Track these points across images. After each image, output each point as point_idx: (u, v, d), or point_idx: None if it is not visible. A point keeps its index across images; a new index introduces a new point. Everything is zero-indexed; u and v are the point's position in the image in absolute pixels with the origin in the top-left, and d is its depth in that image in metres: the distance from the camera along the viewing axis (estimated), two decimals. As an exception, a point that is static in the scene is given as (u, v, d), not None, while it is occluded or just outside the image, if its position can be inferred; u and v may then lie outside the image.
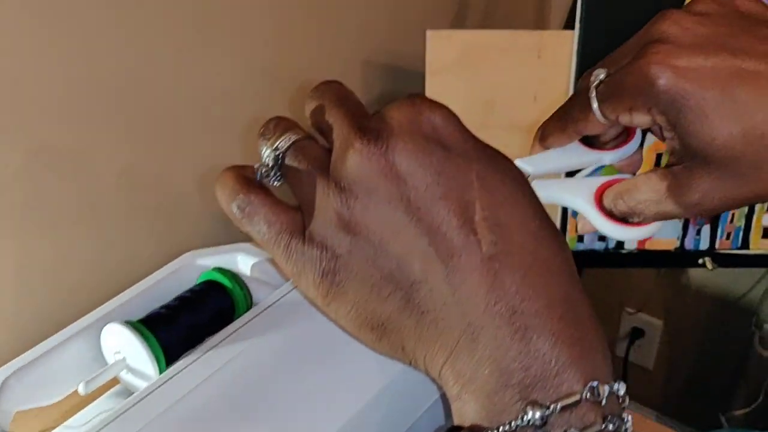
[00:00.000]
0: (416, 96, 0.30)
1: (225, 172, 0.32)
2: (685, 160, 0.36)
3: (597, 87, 0.38)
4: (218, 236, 0.78)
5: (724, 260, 0.91)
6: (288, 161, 0.31)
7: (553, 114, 0.42)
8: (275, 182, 0.32)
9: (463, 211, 0.28)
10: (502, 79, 0.85)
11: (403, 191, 0.28)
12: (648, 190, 0.38)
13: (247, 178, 0.31)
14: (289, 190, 0.32)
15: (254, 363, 0.36)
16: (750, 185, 0.35)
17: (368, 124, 0.29)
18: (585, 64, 0.82)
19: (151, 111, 0.69)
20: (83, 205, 0.64)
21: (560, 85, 0.85)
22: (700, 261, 0.91)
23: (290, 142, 0.31)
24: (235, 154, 0.80)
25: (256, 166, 0.32)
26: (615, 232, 0.39)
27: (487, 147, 0.31)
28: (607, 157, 0.41)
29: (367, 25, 0.93)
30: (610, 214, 0.39)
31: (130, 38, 0.65)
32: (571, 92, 0.84)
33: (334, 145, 0.30)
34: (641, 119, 0.37)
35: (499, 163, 0.30)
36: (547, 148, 0.42)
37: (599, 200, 0.39)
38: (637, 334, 1.60)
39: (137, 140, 0.68)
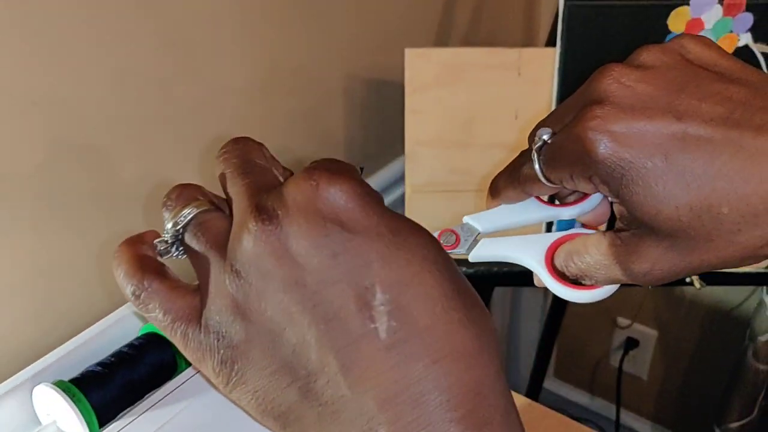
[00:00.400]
0: (316, 168, 0.27)
1: (122, 248, 0.30)
2: (633, 227, 0.34)
3: (540, 149, 0.36)
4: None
5: (712, 279, 0.90)
6: (187, 238, 0.30)
7: (503, 169, 0.40)
8: (178, 256, 0.30)
9: (360, 295, 0.26)
10: (482, 97, 0.84)
11: (298, 276, 0.26)
12: (596, 253, 0.35)
13: (144, 259, 0.30)
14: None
15: (196, 423, 0.35)
16: (702, 256, 0.32)
17: (265, 203, 0.27)
18: (567, 81, 0.81)
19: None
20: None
21: (541, 103, 0.84)
22: (688, 280, 0.89)
23: (190, 216, 0.30)
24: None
25: (155, 241, 0.30)
26: (565, 294, 0.36)
27: (394, 220, 0.27)
28: (566, 212, 0.38)
29: (351, 40, 0.92)
30: (561, 275, 0.37)
31: (153, 38, 0.67)
32: (553, 109, 0.83)
33: (233, 221, 0.28)
34: (585, 186, 0.34)
35: (406, 239, 0.27)
36: (498, 204, 0.40)
37: (551, 260, 0.37)
38: (631, 344, 1.58)
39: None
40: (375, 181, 1.02)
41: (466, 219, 0.40)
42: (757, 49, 0.81)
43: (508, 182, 0.39)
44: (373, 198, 0.28)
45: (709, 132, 0.30)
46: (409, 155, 0.86)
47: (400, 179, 1.04)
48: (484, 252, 0.39)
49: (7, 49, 0.56)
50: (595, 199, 0.38)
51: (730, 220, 0.30)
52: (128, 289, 0.29)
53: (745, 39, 0.80)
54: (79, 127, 0.64)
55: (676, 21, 0.79)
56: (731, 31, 0.81)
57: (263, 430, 0.35)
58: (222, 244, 0.28)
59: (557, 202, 0.39)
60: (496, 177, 0.40)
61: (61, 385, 0.33)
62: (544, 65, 0.82)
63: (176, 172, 0.74)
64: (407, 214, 0.88)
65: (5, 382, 0.36)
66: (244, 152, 0.31)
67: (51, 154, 0.62)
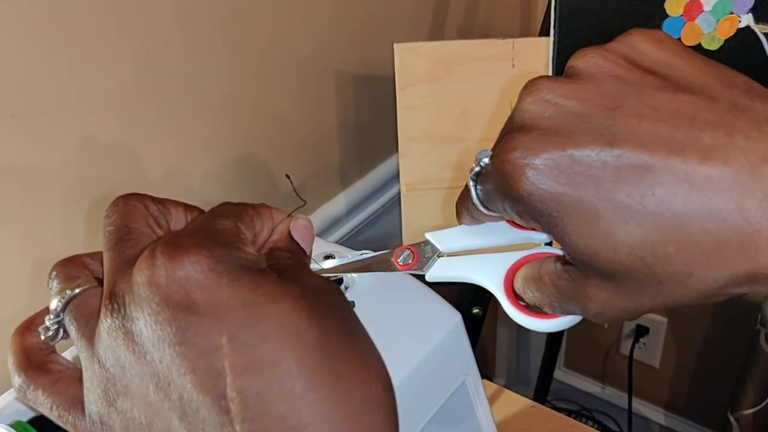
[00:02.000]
0: (158, 245, 0.24)
1: (13, 337, 0.29)
2: (576, 263, 0.30)
3: (477, 176, 0.31)
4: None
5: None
6: (66, 322, 0.28)
7: (461, 192, 0.36)
8: (67, 338, 0.28)
9: (213, 383, 0.23)
10: (475, 90, 0.81)
11: (148, 367, 0.24)
12: (550, 285, 0.31)
13: (29, 351, 0.29)
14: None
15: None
16: (655, 298, 0.27)
17: (116, 288, 0.25)
18: (562, 71, 0.78)
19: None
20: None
21: (538, 94, 0.81)
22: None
23: (66, 300, 0.28)
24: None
25: (40, 328, 0.28)
26: (523, 322, 0.33)
27: (251, 289, 0.24)
28: (538, 236, 0.34)
29: (342, 36, 0.90)
30: (520, 300, 0.33)
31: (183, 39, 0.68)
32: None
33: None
34: (520, 222, 0.30)
35: (262, 310, 0.24)
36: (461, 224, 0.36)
37: (510, 284, 0.34)
38: (641, 332, 1.56)
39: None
40: (370, 180, 1.00)
41: (427, 236, 0.37)
42: (759, 30, 0.78)
43: (462, 205, 0.35)
44: (226, 267, 0.24)
45: (647, 159, 0.25)
46: (403, 152, 0.84)
47: (395, 177, 1.02)
48: (441, 272, 0.36)
49: (31, 48, 0.56)
50: None
51: (678, 261, 0.26)
52: (15, 383, 0.28)
53: (747, 20, 0.78)
54: (107, 124, 0.64)
55: (674, 4, 0.76)
56: (732, 12, 0.78)
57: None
58: (93, 330, 0.26)
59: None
60: (458, 198, 0.36)
61: (18, 427, 0.32)
62: (538, 55, 0.80)
63: (197, 167, 0.74)
64: (403, 213, 0.86)
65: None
66: (121, 216, 0.28)
67: (79, 152, 0.62)
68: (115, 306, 0.25)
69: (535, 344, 1.72)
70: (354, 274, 0.40)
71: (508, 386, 1.34)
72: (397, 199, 1.00)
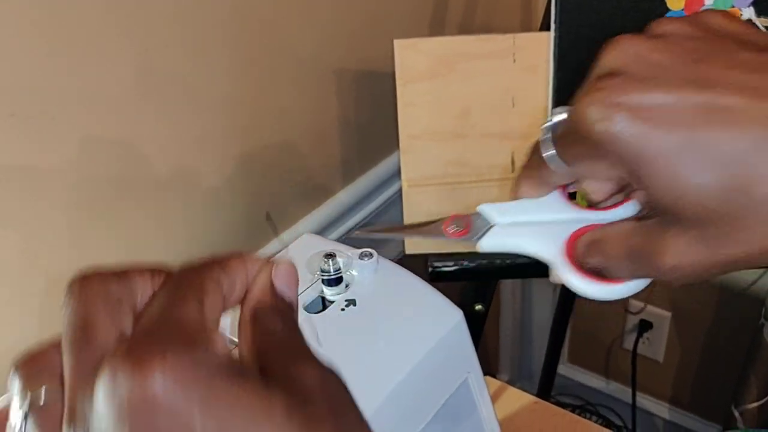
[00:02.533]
0: (119, 359, 0.22)
1: None
2: (657, 214, 0.29)
3: (553, 129, 0.32)
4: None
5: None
6: (29, 429, 0.25)
7: (524, 164, 0.36)
8: None
9: None
10: (476, 86, 0.81)
11: None
12: (619, 245, 0.31)
13: None
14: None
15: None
16: (737, 248, 0.27)
17: (77, 405, 0.23)
18: (563, 66, 0.78)
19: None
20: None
21: (539, 89, 0.81)
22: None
23: (27, 407, 0.25)
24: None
25: (7, 424, 0.26)
26: (587, 290, 0.32)
27: (228, 405, 0.22)
28: (593, 216, 0.33)
29: (342, 34, 0.89)
30: (583, 268, 0.32)
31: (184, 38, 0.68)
32: (551, 96, 0.80)
33: None
34: (601, 170, 0.30)
35: (233, 414, 0.21)
36: (519, 197, 0.35)
37: (571, 251, 0.33)
38: (645, 326, 1.56)
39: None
40: (370, 177, 0.99)
41: (480, 207, 0.35)
42: (761, 23, 0.78)
43: (526, 171, 0.34)
44: (197, 377, 0.22)
45: (738, 101, 0.26)
46: (404, 149, 0.84)
47: (396, 174, 1.02)
48: (494, 241, 0.35)
49: (31, 47, 0.56)
50: (633, 206, 0.34)
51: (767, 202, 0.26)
52: None
53: (748, 13, 0.77)
54: (107, 123, 0.64)
55: (675, -2, 0.76)
56: (733, 6, 0.77)
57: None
58: None
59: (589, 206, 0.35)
60: (520, 170, 0.36)
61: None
62: (539, 50, 0.79)
63: (199, 165, 0.74)
64: (404, 210, 0.86)
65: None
66: (78, 308, 0.25)
67: (79, 151, 0.62)
68: (77, 427, 0.23)
69: (539, 340, 1.72)
70: (354, 272, 0.40)
71: (511, 382, 1.34)
72: (398, 197, 1.00)
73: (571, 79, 0.78)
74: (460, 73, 0.80)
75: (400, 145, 0.83)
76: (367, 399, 0.35)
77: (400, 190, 0.90)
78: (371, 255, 0.40)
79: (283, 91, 0.84)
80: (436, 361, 0.38)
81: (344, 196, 0.96)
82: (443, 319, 0.39)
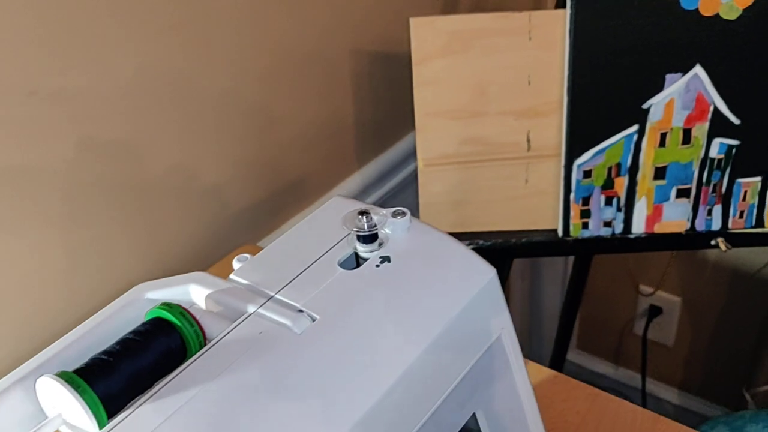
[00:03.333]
0: None
1: None
2: None
3: None
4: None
5: (737, 240, 0.87)
6: None
7: None
8: None
9: None
10: (492, 64, 0.81)
11: None
12: None
13: None
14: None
15: (208, 407, 0.33)
16: None
17: None
18: (579, 43, 0.78)
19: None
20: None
21: (554, 67, 0.81)
22: (713, 242, 0.86)
23: None
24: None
25: None
26: None
27: None
28: None
29: (357, 13, 0.89)
30: None
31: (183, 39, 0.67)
32: (567, 74, 0.80)
33: None
34: None
35: None
36: None
37: None
38: (655, 311, 1.56)
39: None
40: (387, 157, 1.00)
41: None
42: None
43: None
44: None
45: None
46: (420, 128, 0.84)
47: (412, 155, 1.02)
48: None
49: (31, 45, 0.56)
50: None
51: None
52: None
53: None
54: (107, 121, 0.64)
55: (691, -26, 0.76)
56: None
57: (277, 416, 0.34)
58: None
59: None
60: None
61: (64, 376, 0.32)
62: (555, 28, 0.79)
63: (204, 162, 0.74)
64: (420, 189, 0.86)
65: (8, 375, 0.34)
66: None
67: (80, 149, 0.62)
68: None
69: (548, 325, 1.72)
70: (388, 230, 0.41)
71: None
72: (413, 177, 1.00)
73: (587, 58, 0.78)
74: (476, 51, 0.81)
75: (416, 123, 0.84)
76: (402, 354, 0.36)
77: (415, 170, 0.90)
78: (404, 213, 0.40)
79: (297, 74, 0.84)
80: (471, 317, 0.39)
81: (359, 177, 0.97)
82: (477, 275, 0.39)
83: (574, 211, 0.85)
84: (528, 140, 0.84)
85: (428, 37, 0.80)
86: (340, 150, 0.94)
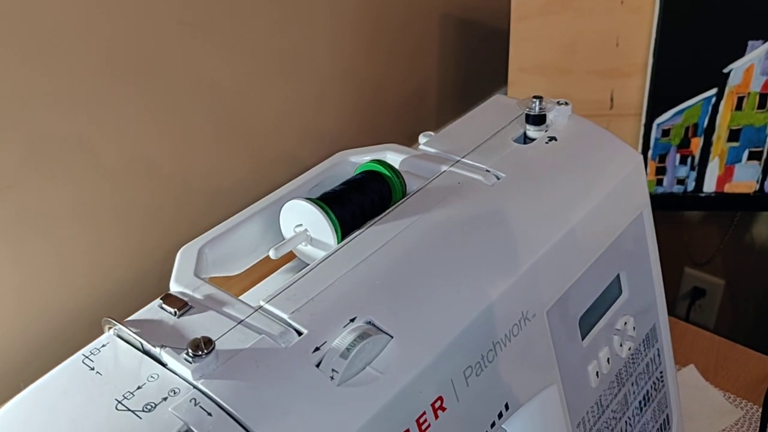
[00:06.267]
0: None
1: None
2: None
3: None
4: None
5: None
6: None
7: None
8: None
9: None
10: (584, 25, 0.88)
11: None
12: None
13: None
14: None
15: (422, 234, 0.39)
16: None
17: None
18: (668, 9, 0.85)
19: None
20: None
21: (642, 32, 0.87)
22: None
23: None
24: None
25: None
26: None
27: None
28: None
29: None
30: None
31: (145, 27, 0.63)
32: (653, 38, 0.86)
33: None
34: None
35: None
36: None
37: None
38: (698, 293, 1.60)
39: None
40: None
41: None
42: None
43: None
44: None
45: None
46: (512, 82, 0.90)
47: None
48: None
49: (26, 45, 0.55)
50: None
51: None
52: None
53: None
54: (104, 124, 0.62)
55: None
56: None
57: (477, 243, 0.40)
58: None
59: None
60: None
61: (312, 200, 0.39)
62: (646, -7, 0.86)
63: (213, 164, 0.74)
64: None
65: (254, 204, 0.41)
66: None
67: (76, 150, 0.61)
68: None
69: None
70: (551, 115, 0.47)
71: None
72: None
73: (674, 22, 0.84)
74: (572, 12, 0.87)
75: (509, 78, 0.90)
76: (567, 216, 0.42)
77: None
78: (567, 103, 0.47)
79: (389, 28, 0.90)
80: (621, 192, 0.45)
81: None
82: (628, 158, 0.46)
83: (651, 167, 0.91)
84: (611, 99, 0.91)
85: (529, -4, 0.87)
86: (423, 106, 1.01)
